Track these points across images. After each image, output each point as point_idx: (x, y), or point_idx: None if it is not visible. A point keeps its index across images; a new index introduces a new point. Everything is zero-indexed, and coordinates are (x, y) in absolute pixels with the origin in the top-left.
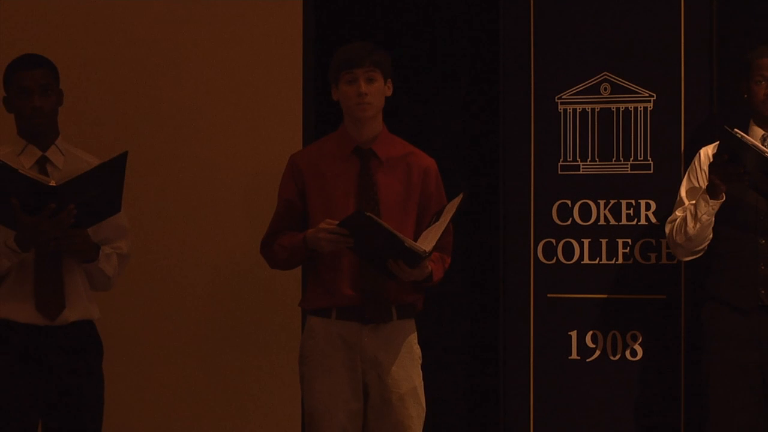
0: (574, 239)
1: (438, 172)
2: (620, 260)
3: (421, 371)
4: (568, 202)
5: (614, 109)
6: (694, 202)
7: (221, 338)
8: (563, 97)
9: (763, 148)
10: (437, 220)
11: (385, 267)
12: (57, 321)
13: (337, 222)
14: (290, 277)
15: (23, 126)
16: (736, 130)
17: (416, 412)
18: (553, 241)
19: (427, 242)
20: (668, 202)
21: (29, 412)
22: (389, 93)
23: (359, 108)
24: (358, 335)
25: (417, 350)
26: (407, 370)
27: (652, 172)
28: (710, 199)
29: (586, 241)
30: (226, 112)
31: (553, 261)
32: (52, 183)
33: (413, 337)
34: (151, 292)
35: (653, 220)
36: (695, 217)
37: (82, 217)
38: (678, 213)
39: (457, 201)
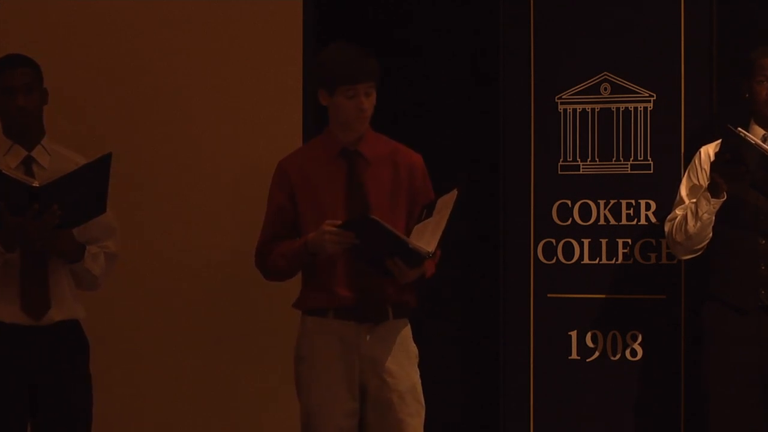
0: (574, 239)
1: (424, 167)
2: (620, 260)
3: (417, 369)
4: (568, 202)
5: (614, 109)
6: (694, 200)
7: (213, 338)
8: (563, 97)
9: (765, 146)
10: (429, 214)
11: (384, 268)
12: (42, 321)
13: (337, 224)
14: None
15: (8, 126)
16: (739, 129)
17: (416, 409)
18: (553, 241)
19: (425, 241)
20: (668, 202)
21: (17, 413)
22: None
23: (358, 121)
24: (355, 335)
25: (413, 348)
26: (405, 369)
27: (652, 172)
28: (711, 197)
29: (586, 241)
30: (225, 112)
31: (553, 261)
32: (35, 184)
33: (409, 336)
34: (142, 291)
35: (653, 220)
36: (696, 215)
37: (66, 217)
38: (678, 211)
39: (452, 196)
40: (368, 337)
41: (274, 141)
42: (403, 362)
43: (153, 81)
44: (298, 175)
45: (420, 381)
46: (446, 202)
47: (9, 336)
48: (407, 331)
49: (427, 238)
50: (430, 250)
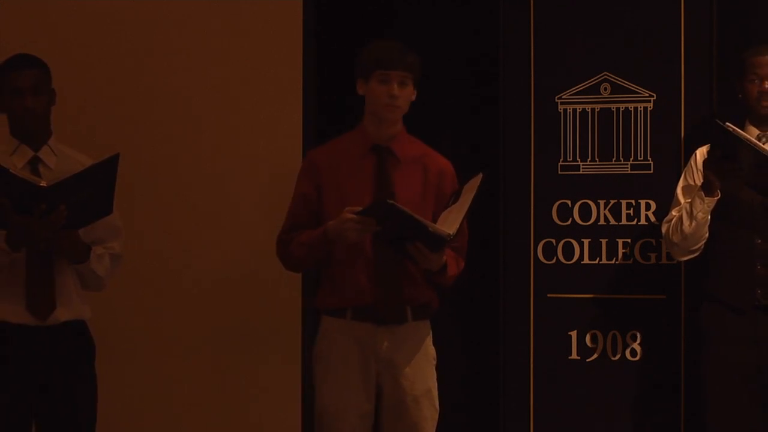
0: (574, 239)
1: (454, 174)
2: (620, 260)
3: (435, 372)
4: (568, 202)
5: (614, 109)
6: (690, 200)
7: (217, 338)
8: (563, 97)
9: (755, 141)
10: (455, 200)
11: (405, 252)
12: (48, 321)
13: (357, 210)
14: (289, 277)
15: (15, 126)
16: (727, 124)
17: (430, 413)
18: (553, 241)
19: (448, 225)
20: (668, 202)
21: (22, 413)
22: (413, 98)
23: (387, 109)
24: (373, 336)
25: (432, 351)
26: (422, 372)
27: (652, 172)
28: (705, 196)
29: (586, 241)
30: (225, 112)
31: (553, 261)
32: (43, 184)
33: (428, 338)
34: (146, 291)
35: (653, 220)
36: (691, 215)
37: (73, 218)
38: (674, 212)
39: (476, 181)
40: (386, 339)
41: (274, 141)
42: (420, 365)
43: (152, 81)
44: (327, 167)
45: (436, 384)
46: (471, 186)
47: (15, 336)
48: (427, 334)
49: (449, 221)
50: (450, 232)
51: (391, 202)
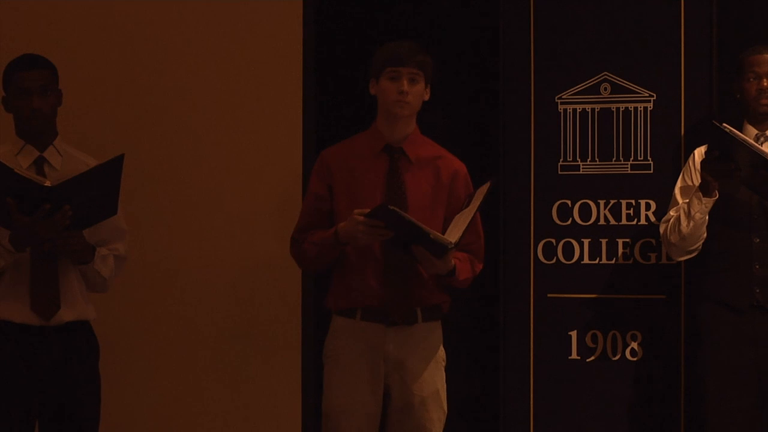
0: (574, 239)
1: (467, 176)
2: (620, 260)
3: (444, 374)
4: (568, 202)
5: (614, 109)
6: (687, 200)
7: (218, 338)
8: (563, 97)
9: (752, 141)
10: (468, 205)
11: (411, 254)
12: (52, 321)
13: (365, 212)
14: (289, 277)
15: (22, 126)
16: (724, 124)
17: (437, 415)
18: (553, 241)
19: (452, 233)
20: (668, 202)
21: (26, 413)
22: (427, 97)
23: (397, 105)
24: (382, 337)
25: (441, 353)
26: (430, 373)
27: (652, 172)
28: (703, 196)
29: (586, 241)
30: (225, 113)
31: (553, 261)
32: (47, 184)
33: (438, 340)
34: (149, 292)
35: (653, 220)
36: (689, 215)
37: (77, 218)
38: (672, 213)
39: (484, 188)
40: (395, 340)
41: (274, 141)
42: (429, 366)
43: (152, 82)
44: (339, 167)
45: (444, 386)
46: (479, 194)
47: (19, 336)
48: (437, 335)
49: (457, 227)
50: (452, 241)
51: (393, 207)
